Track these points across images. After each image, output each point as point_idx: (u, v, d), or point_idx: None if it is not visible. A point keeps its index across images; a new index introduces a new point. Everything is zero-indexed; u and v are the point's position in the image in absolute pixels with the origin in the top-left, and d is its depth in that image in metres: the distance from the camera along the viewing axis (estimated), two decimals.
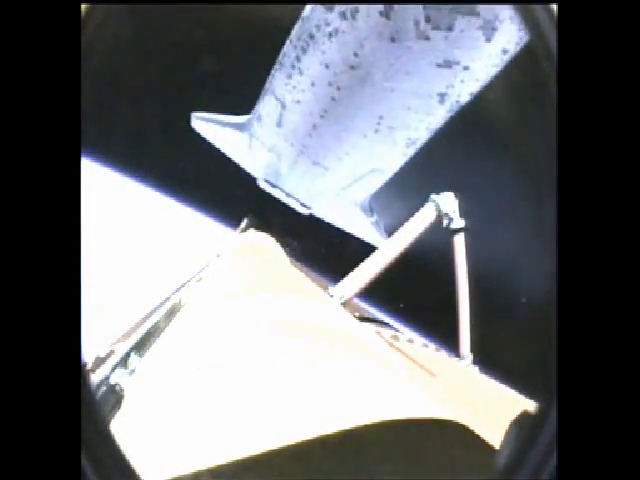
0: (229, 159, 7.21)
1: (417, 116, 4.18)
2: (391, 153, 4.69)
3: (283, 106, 4.67)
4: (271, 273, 5.04)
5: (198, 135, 7.29)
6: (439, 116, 4.19)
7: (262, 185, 5.79)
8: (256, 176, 5.78)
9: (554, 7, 1.52)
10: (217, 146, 5.96)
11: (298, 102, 4.49)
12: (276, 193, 5.72)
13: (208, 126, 5.84)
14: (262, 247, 6.21)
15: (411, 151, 4.62)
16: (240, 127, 5.53)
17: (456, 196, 5.78)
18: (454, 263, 5.79)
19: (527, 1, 1.61)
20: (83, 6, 1.42)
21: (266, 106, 4.90)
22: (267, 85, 4.69)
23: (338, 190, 5.24)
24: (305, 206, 5.67)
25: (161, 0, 5.85)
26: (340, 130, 4.50)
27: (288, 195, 5.61)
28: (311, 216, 5.90)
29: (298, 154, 4.96)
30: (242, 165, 5.88)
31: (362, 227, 5.72)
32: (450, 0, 4.48)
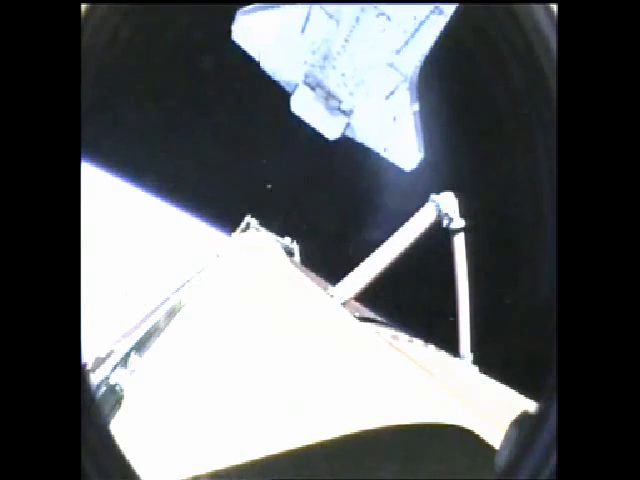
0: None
1: None
2: None
3: None
4: (271, 273, 5.04)
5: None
6: None
7: (298, 98, 5.66)
8: (295, 82, 5.67)
9: (554, 7, 1.53)
10: (255, 54, 5.86)
11: None
12: (314, 105, 5.61)
13: (256, 19, 5.75)
14: (262, 247, 6.21)
15: None
16: None
17: (456, 196, 5.78)
18: (454, 263, 5.80)
19: (527, 1, 1.62)
20: (83, 6, 1.42)
21: None
22: None
23: (393, 55, 5.26)
24: (344, 112, 5.59)
25: (161, 0, 5.85)
26: None
27: (329, 96, 5.52)
28: (343, 138, 5.79)
29: (363, 7, 5.10)
30: (280, 74, 5.78)
31: (402, 120, 5.63)
32: (451, 2, 4.51)
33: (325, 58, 5.45)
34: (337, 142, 5.88)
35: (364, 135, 5.72)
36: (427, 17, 4.95)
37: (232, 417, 2.02)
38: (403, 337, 4.52)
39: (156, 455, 1.80)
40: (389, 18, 5.02)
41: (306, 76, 5.61)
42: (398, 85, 5.40)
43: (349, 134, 5.75)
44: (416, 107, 5.48)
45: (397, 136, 5.59)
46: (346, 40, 5.27)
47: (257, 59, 5.75)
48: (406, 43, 5.14)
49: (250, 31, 5.70)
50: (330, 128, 5.69)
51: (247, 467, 1.68)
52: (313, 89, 5.58)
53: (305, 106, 5.68)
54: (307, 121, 5.71)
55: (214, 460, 1.72)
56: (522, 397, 3.45)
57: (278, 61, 5.70)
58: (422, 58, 5.24)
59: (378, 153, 5.77)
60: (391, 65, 5.30)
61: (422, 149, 5.58)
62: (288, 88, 5.76)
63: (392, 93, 5.45)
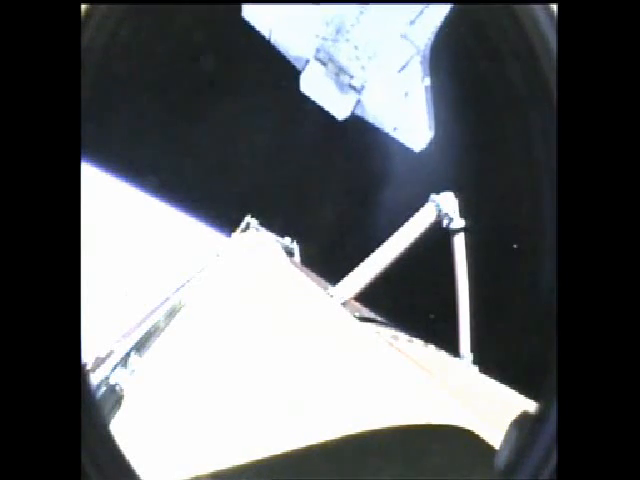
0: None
1: None
2: None
3: None
4: (271, 273, 5.04)
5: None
6: None
7: (308, 75, 5.53)
8: (306, 57, 5.53)
9: (554, 7, 1.53)
10: (265, 32, 5.72)
11: None
12: (324, 81, 5.46)
13: None
14: (262, 247, 6.20)
15: None
16: None
17: (456, 196, 5.78)
18: (454, 263, 5.79)
19: (527, 1, 1.62)
20: (83, 6, 1.42)
21: None
22: None
23: (407, 26, 5.13)
24: (355, 88, 5.46)
25: (161, 0, 5.84)
26: None
27: (340, 71, 5.39)
28: (352, 118, 5.67)
29: None
30: (291, 49, 5.65)
31: (413, 96, 5.48)
32: (452, 2, 4.48)
33: (338, 31, 5.36)
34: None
35: (374, 112, 5.61)
36: None
37: (232, 417, 2.02)
38: (403, 337, 4.52)
39: (156, 455, 1.80)
40: None
41: (318, 51, 5.51)
42: (411, 57, 5.32)
43: (359, 112, 5.65)
44: (427, 82, 5.39)
45: (408, 113, 5.50)
46: (361, 12, 5.19)
47: (267, 36, 5.63)
48: (421, 12, 5.05)
49: (261, 6, 5.59)
50: (340, 106, 5.59)
51: (247, 467, 1.68)
52: (324, 64, 5.48)
53: (315, 83, 5.58)
54: (316, 100, 5.60)
55: (214, 460, 1.72)
56: (522, 397, 3.44)
57: (290, 35, 5.59)
58: (435, 30, 5.15)
59: (387, 133, 5.68)
60: (405, 37, 5.21)
61: (432, 127, 5.50)
62: (298, 65, 5.65)
63: (405, 66, 5.36)
